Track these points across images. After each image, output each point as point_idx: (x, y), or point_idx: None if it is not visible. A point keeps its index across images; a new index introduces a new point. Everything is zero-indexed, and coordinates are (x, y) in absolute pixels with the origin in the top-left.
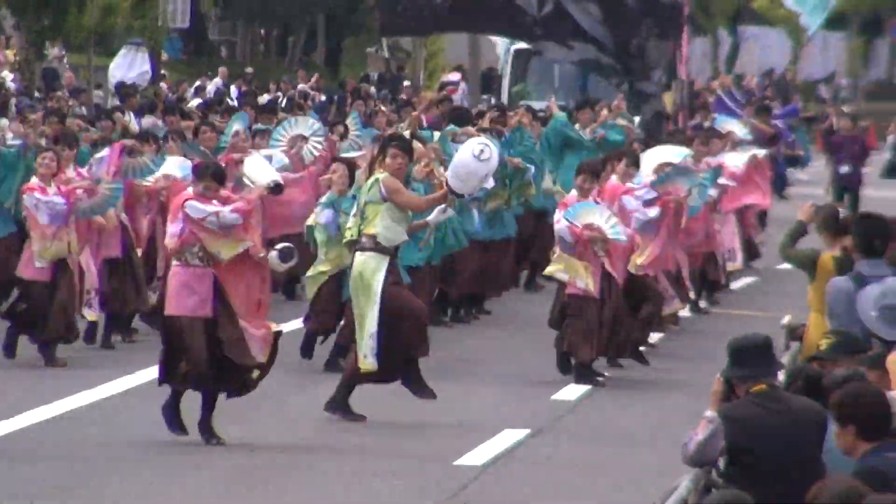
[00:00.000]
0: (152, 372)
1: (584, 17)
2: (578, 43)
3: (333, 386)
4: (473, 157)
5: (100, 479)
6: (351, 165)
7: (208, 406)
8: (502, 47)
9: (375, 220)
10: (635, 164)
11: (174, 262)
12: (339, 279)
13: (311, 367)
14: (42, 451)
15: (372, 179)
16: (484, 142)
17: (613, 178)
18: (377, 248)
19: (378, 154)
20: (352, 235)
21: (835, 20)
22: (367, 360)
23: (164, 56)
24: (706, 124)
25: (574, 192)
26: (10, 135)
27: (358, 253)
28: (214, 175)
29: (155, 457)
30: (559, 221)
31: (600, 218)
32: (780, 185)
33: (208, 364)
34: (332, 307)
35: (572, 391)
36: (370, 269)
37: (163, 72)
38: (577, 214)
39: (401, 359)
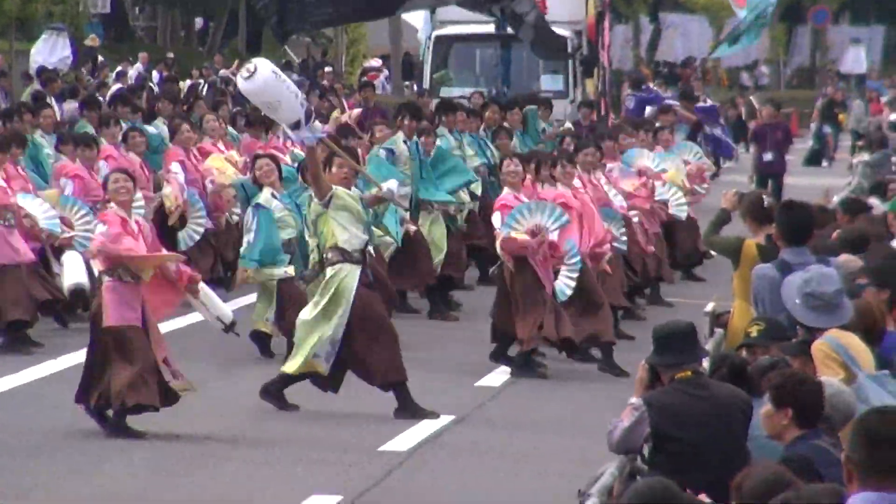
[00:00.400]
0: (78, 357)
1: None
2: None
3: (258, 375)
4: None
5: (21, 465)
6: (275, 158)
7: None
8: (423, 33)
9: (333, 232)
10: (571, 161)
11: (106, 278)
12: None
13: (232, 354)
14: None
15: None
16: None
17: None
18: (345, 258)
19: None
20: (315, 259)
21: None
22: (318, 360)
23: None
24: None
25: (506, 190)
26: None
27: (329, 268)
28: None
29: (77, 443)
30: (499, 236)
31: (542, 215)
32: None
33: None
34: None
35: (495, 378)
36: (341, 278)
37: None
38: (518, 220)
39: (348, 372)
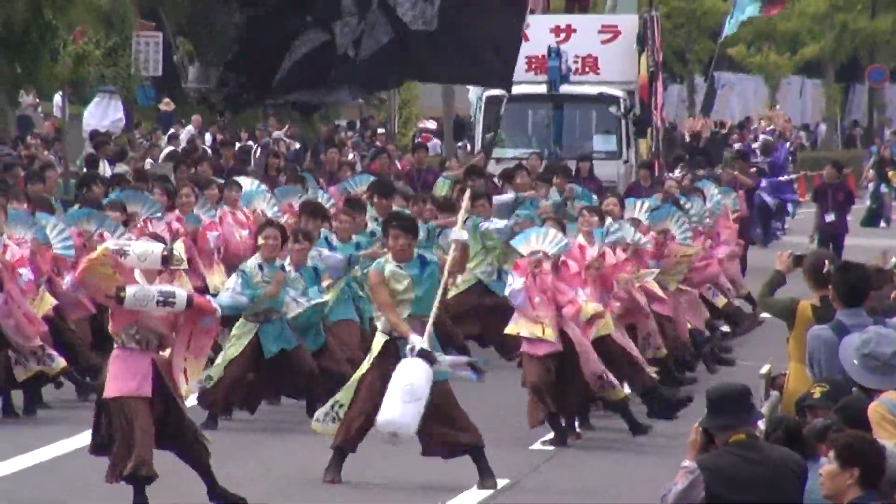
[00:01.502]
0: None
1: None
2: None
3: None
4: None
5: None
6: (283, 228)
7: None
8: (474, 94)
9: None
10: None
11: (115, 346)
12: None
13: (280, 416)
14: None
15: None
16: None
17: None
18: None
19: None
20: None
21: (811, 67)
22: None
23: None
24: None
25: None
26: None
27: None
28: None
29: None
30: (510, 283)
31: (536, 240)
32: (765, 236)
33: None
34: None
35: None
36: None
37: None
38: (518, 246)
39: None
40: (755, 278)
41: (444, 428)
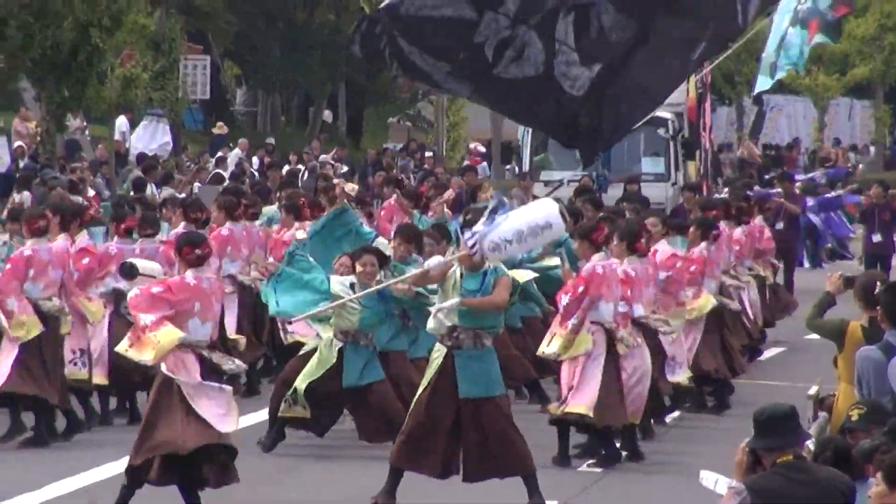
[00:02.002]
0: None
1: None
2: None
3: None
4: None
5: None
6: (381, 253)
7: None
8: None
9: None
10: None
11: None
12: None
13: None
14: None
15: None
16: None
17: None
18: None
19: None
20: None
21: (860, 89)
22: None
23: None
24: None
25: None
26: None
27: None
28: None
29: None
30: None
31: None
32: (812, 258)
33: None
34: None
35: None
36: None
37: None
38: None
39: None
40: (805, 301)
41: (499, 452)
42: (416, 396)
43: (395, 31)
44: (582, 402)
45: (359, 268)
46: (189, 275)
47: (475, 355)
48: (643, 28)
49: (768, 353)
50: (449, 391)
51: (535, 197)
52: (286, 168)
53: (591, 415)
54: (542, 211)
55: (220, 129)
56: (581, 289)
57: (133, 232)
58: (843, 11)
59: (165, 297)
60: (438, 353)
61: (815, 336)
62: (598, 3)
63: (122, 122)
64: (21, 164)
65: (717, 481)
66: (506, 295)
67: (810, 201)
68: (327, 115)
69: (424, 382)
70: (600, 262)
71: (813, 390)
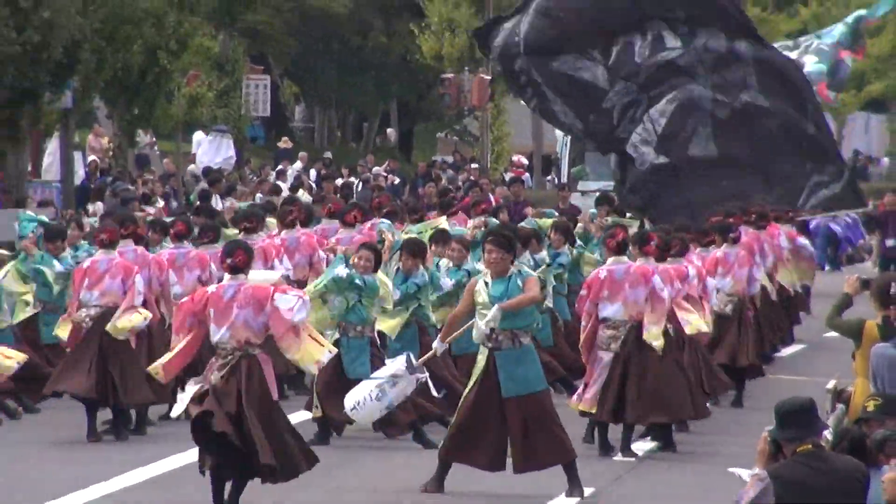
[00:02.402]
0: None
1: None
2: None
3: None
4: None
5: None
6: (378, 251)
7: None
8: (560, 133)
9: None
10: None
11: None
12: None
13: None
14: None
15: None
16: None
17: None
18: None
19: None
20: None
21: (876, 103)
22: None
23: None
24: None
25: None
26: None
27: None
28: None
29: None
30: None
31: None
32: (833, 262)
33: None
34: None
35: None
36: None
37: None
38: None
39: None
40: (824, 302)
41: (541, 444)
42: (464, 395)
43: (539, 79)
44: (587, 398)
45: (354, 259)
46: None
47: (514, 355)
48: (726, 157)
49: (790, 350)
50: (493, 390)
51: (572, 206)
52: (339, 180)
53: (593, 411)
54: (390, 368)
55: (284, 143)
56: (583, 292)
57: (184, 237)
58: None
59: (186, 305)
60: (482, 354)
61: (833, 334)
62: (702, 114)
63: (199, 137)
64: (95, 177)
65: (742, 475)
66: (538, 289)
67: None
68: (391, 133)
69: (470, 383)
70: (605, 266)
71: (831, 384)
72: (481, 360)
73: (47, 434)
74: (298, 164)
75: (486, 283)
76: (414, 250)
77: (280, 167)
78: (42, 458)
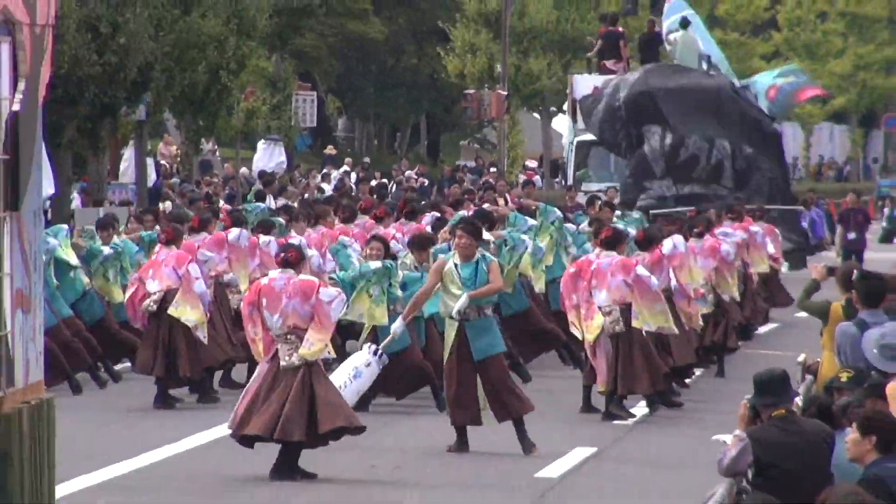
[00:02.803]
0: None
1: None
2: None
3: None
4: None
5: None
6: (386, 241)
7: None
8: (566, 139)
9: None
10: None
11: None
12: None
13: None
14: (169, 485)
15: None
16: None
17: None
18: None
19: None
20: None
21: (839, 115)
22: None
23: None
24: None
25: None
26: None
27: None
28: None
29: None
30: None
31: None
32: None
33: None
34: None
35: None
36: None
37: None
38: None
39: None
40: (795, 288)
41: (507, 397)
42: (445, 366)
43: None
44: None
45: (367, 250)
46: (272, 273)
47: (480, 324)
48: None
49: (766, 328)
50: (467, 356)
51: (579, 205)
52: (374, 182)
53: (601, 388)
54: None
55: (329, 150)
56: (572, 270)
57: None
58: (808, 94)
59: (247, 297)
60: (451, 327)
61: (803, 314)
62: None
63: (262, 144)
64: (164, 180)
65: (725, 440)
66: (500, 277)
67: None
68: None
69: (446, 354)
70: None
71: (801, 358)
72: (452, 332)
73: (124, 402)
74: (346, 168)
75: (456, 265)
76: (422, 244)
77: (325, 171)
78: (120, 422)
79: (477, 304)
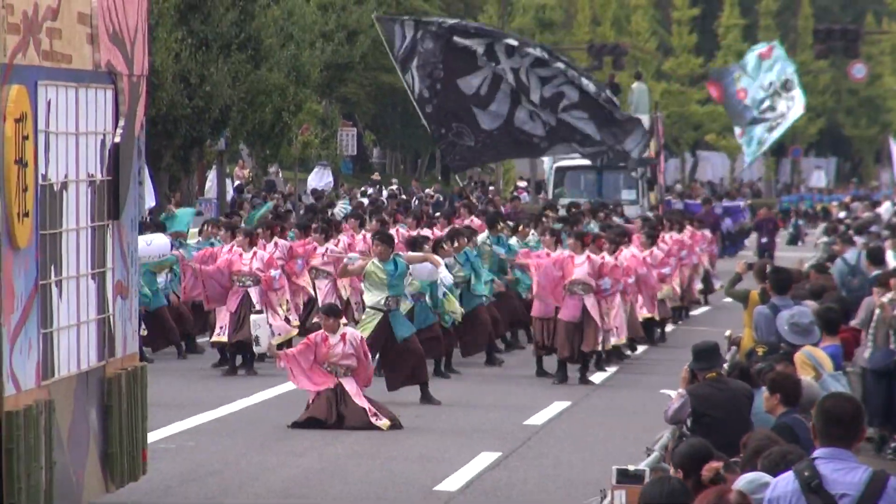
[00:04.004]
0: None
1: (578, 125)
2: (576, 143)
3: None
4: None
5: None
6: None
7: None
8: (547, 164)
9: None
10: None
11: None
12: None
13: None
14: (241, 429)
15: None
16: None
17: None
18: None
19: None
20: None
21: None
22: None
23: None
24: None
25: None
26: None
27: None
28: None
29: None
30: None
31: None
32: (724, 251)
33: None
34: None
35: (598, 378)
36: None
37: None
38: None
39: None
40: (723, 279)
41: (415, 367)
42: (369, 343)
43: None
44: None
45: (375, 247)
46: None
47: (398, 312)
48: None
49: (700, 310)
50: (390, 337)
51: (558, 217)
52: (401, 198)
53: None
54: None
55: (375, 176)
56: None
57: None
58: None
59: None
60: (378, 316)
61: (729, 300)
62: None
63: (315, 169)
64: (239, 195)
65: (669, 393)
66: (420, 254)
67: (719, 209)
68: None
69: (368, 335)
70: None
71: (728, 333)
72: (374, 318)
73: (196, 366)
74: (376, 187)
75: (377, 265)
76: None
77: (363, 188)
78: (200, 382)
79: (396, 295)
